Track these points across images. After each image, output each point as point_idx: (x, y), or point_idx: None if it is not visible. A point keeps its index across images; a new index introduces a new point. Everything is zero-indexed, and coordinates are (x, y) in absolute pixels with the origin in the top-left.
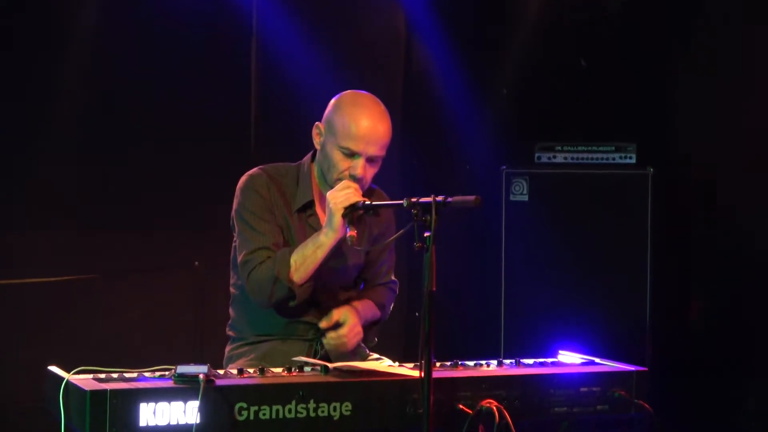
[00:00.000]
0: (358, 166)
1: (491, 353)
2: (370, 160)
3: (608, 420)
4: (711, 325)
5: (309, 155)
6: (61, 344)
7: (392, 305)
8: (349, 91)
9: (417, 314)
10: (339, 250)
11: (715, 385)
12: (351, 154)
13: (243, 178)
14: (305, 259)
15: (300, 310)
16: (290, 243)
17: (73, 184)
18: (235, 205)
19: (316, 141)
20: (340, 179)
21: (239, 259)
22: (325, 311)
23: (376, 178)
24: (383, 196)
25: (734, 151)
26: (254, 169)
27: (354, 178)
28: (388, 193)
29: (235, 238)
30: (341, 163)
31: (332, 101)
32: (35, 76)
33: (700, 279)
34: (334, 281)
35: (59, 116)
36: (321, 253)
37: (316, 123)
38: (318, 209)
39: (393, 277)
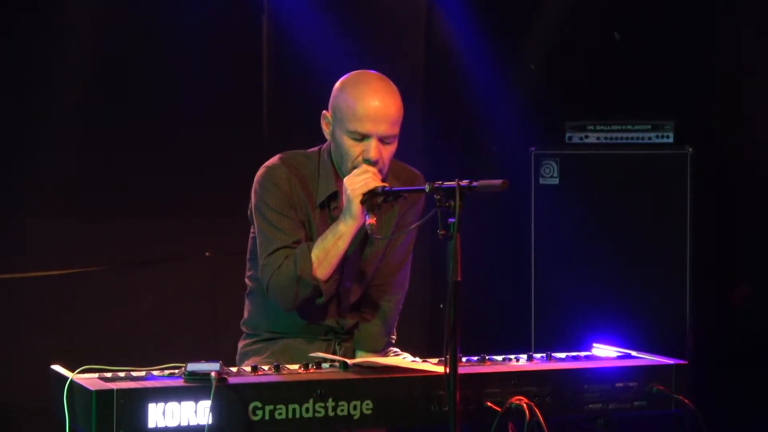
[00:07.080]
0: (371, 148)
1: (521, 347)
2: (382, 140)
3: (646, 417)
4: (756, 313)
5: (328, 143)
6: (66, 341)
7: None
8: (352, 72)
9: (441, 306)
10: (360, 240)
11: (761, 379)
12: (361, 137)
13: (261, 170)
14: (327, 252)
15: (321, 308)
16: (312, 239)
17: (78, 172)
18: (253, 200)
19: (326, 131)
20: (355, 167)
21: (260, 262)
22: (346, 309)
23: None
24: (422, 180)
25: None
26: (273, 159)
27: (369, 162)
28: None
29: (252, 231)
30: (353, 149)
31: (335, 86)
32: (39, 57)
33: (743, 265)
34: (356, 275)
35: (63, 102)
36: (342, 244)
37: (323, 112)
38: (342, 202)
39: (404, 281)
